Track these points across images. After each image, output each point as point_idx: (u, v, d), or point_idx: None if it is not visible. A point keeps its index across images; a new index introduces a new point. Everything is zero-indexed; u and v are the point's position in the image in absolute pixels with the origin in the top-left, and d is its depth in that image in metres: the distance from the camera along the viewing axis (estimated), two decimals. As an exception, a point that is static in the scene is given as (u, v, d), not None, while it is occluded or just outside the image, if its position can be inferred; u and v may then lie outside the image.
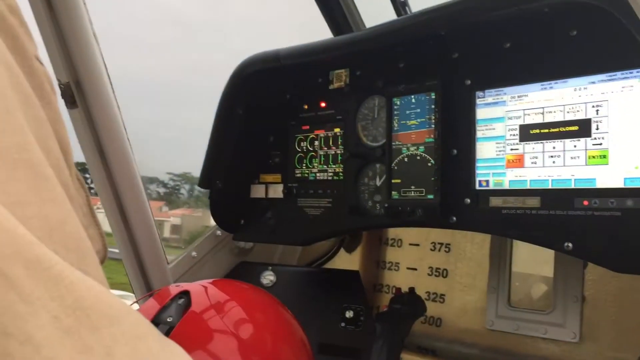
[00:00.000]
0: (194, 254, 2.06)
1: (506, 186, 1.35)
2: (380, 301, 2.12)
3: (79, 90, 1.59)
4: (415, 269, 2.05)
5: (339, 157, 1.73)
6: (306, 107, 1.81)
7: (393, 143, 1.54)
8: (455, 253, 1.95)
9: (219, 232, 2.06)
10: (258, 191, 1.94)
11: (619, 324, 1.55)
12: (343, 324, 1.84)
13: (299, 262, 2.31)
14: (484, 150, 1.40)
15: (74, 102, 1.59)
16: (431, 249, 2.01)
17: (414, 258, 2.06)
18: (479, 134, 1.41)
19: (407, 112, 1.51)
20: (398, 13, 1.75)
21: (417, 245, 2.05)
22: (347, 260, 2.23)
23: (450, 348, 1.90)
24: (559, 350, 1.64)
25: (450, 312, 1.93)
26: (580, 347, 1.60)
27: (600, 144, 1.21)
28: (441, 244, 1.99)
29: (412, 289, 1.74)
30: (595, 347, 1.58)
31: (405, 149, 1.52)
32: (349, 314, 1.84)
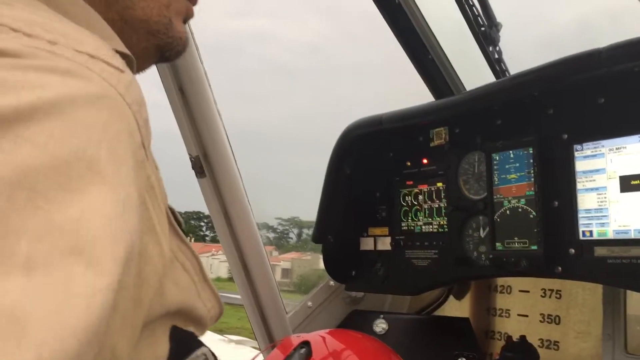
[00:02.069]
0: (309, 304, 2.21)
1: (610, 236, 1.38)
2: (493, 348, 2.15)
3: (207, 162, 1.80)
4: (527, 316, 2.06)
5: (443, 210, 1.82)
6: (409, 163, 1.92)
7: (494, 196, 1.61)
8: (567, 299, 1.95)
9: (332, 283, 2.19)
10: (367, 244, 2.06)
11: None
12: (456, 371, 1.89)
13: (409, 309, 2.39)
14: (586, 201, 1.44)
15: (202, 172, 1.80)
16: (542, 296, 2.02)
17: (524, 305, 2.07)
18: (579, 186, 1.45)
19: (507, 166, 1.59)
20: (495, 72, 1.84)
21: (527, 291, 2.07)
22: (456, 307, 2.27)
23: (567, 396, 1.89)
24: (683, 399, 1.60)
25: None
26: None
27: None
28: (552, 290, 1.99)
29: (523, 337, 1.77)
30: None
31: (506, 201, 1.58)
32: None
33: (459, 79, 1.97)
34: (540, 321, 2.02)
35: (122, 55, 0.59)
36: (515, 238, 1.55)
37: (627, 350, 1.74)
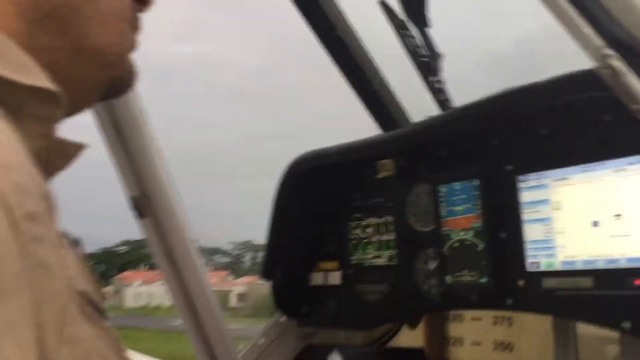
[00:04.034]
0: (261, 341, 2.14)
1: (558, 267, 1.38)
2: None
3: (148, 202, 1.73)
4: (480, 344, 2.05)
5: (392, 243, 1.79)
6: (356, 196, 1.90)
7: (442, 229, 1.60)
8: (518, 326, 1.95)
9: (283, 319, 2.13)
10: (317, 279, 2.01)
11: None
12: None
13: (364, 340, 2.34)
14: (532, 232, 1.44)
15: (143, 213, 1.73)
16: (493, 323, 2.01)
17: (477, 332, 2.07)
18: (525, 217, 1.45)
19: (453, 198, 1.58)
20: (438, 102, 1.83)
21: (479, 319, 2.06)
22: (410, 337, 2.24)
23: None
24: None
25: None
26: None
27: (646, 222, 1.24)
28: (503, 317, 1.99)
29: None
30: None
31: (454, 234, 1.57)
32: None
33: (403, 110, 1.96)
34: (493, 349, 2.01)
35: (43, 91, 0.52)
36: (465, 271, 1.53)
37: (580, 376, 1.74)
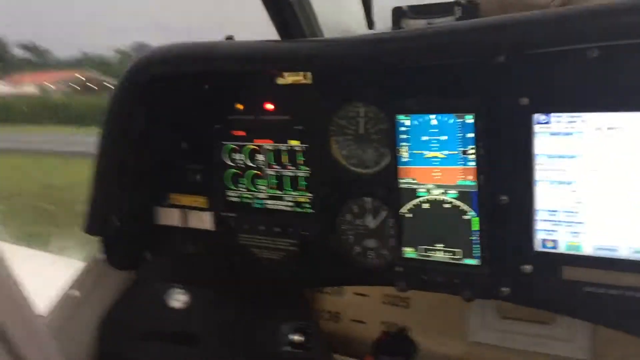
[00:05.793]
0: (76, 293, 1.49)
1: (587, 252, 0.98)
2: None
3: None
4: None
5: (303, 182, 1.20)
6: (240, 107, 1.22)
7: (402, 180, 1.06)
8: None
9: (99, 256, 1.48)
10: (170, 217, 1.36)
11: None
12: (288, 348, 1.45)
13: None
14: (549, 197, 0.99)
15: None
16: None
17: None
18: (539, 175, 0.99)
19: (424, 138, 1.03)
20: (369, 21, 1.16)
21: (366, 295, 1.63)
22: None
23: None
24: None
25: (420, 322, 1.59)
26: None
27: None
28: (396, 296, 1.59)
29: (402, 330, 1.37)
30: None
31: (424, 191, 1.05)
32: (294, 337, 1.45)
33: (317, 23, 1.24)
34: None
35: None
36: (440, 245, 1.06)
37: (500, 313, 1.47)
